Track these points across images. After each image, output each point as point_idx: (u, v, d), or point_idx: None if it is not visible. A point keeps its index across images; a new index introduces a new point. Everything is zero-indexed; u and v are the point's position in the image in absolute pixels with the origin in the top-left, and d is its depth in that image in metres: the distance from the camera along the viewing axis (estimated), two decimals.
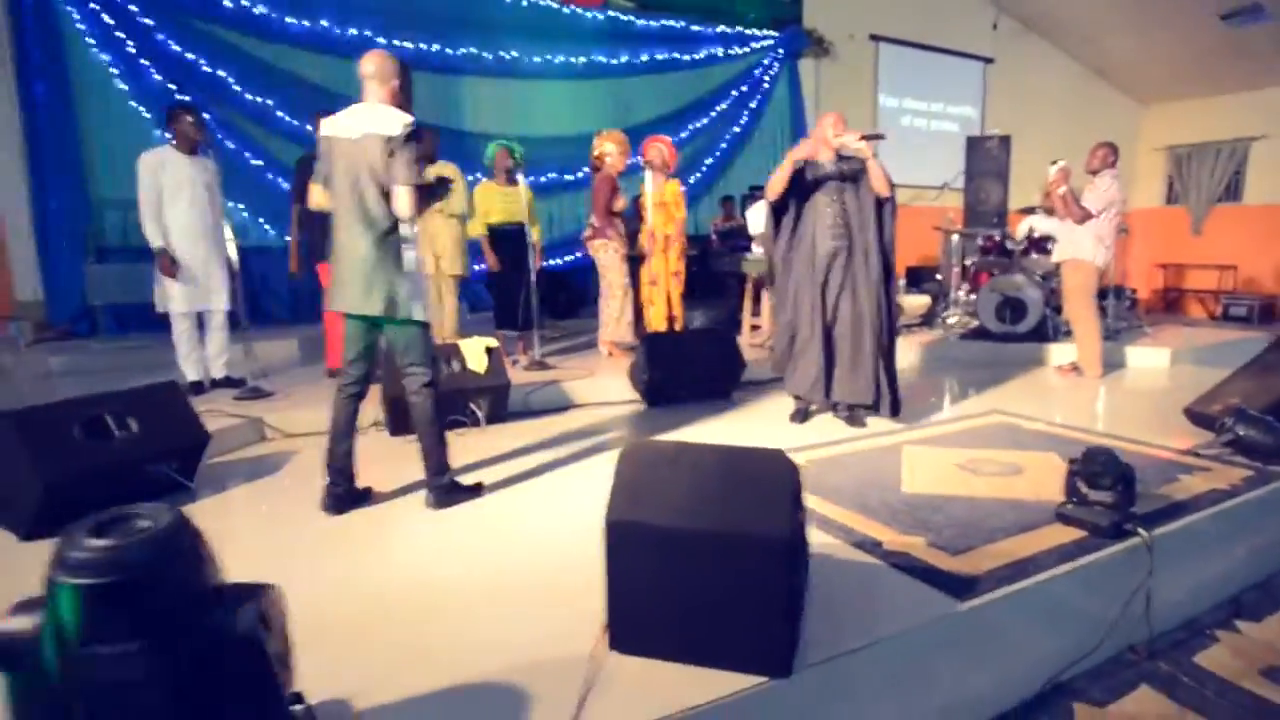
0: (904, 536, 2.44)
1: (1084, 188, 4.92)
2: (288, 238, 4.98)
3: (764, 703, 1.60)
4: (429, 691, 1.63)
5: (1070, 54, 11.84)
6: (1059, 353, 5.70)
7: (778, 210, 3.73)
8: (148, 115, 6.08)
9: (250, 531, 2.74)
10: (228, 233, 4.20)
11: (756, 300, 6.23)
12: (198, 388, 4.30)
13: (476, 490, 2.90)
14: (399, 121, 2.53)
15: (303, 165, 4.46)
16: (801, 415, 3.97)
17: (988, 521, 2.58)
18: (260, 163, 6.36)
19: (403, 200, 2.54)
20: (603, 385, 4.59)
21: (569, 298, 7.21)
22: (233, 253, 4.20)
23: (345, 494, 2.76)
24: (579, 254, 7.57)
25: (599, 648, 1.72)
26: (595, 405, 4.46)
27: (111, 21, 5.86)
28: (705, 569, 1.60)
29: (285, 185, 6.51)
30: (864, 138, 3.52)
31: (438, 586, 2.20)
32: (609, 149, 5.14)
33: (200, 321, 4.37)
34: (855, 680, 1.77)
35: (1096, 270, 4.88)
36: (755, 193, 8.40)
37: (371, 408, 4.02)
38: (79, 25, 5.80)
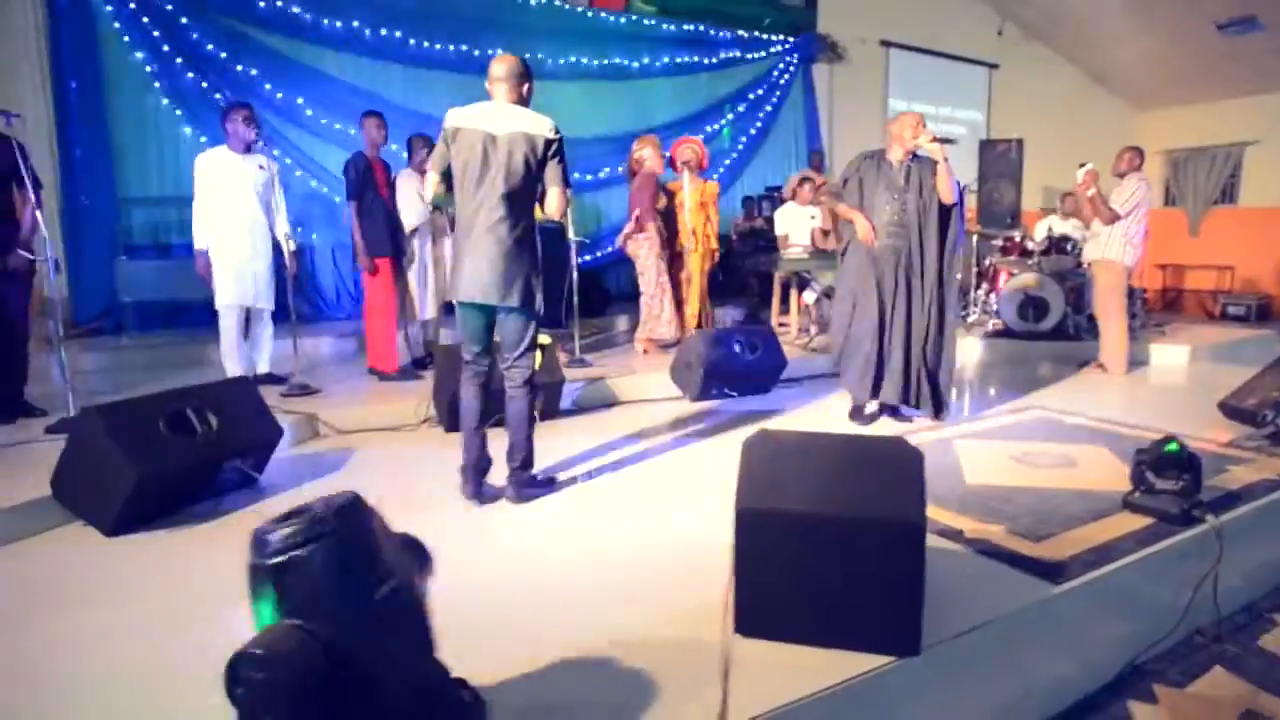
0: (982, 524, 2.51)
1: (1110, 190, 5.03)
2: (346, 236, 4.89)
3: (897, 681, 1.67)
4: (551, 671, 1.68)
5: (1071, 60, 12.03)
6: (1082, 350, 5.80)
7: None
8: (179, 113, 6.08)
9: None
10: (284, 229, 4.20)
11: (785, 299, 6.30)
12: None
13: (551, 484, 2.94)
14: (548, 125, 2.65)
15: (354, 165, 4.47)
16: (858, 413, 3.95)
17: (1058, 510, 2.65)
18: (289, 160, 6.36)
19: (556, 201, 2.69)
20: (644, 382, 4.64)
21: (599, 295, 7.27)
22: (288, 250, 4.20)
23: (483, 482, 2.86)
24: (600, 253, 7.63)
25: (725, 632, 1.77)
26: (638, 402, 4.51)
27: (146, 19, 5.86)
28: (837, 553, 1.66)
29: (314, 183, 6.54)
30: (936, 140, 3.58)
31: (544, 575, 2.25)
32: (647, 153, 5.22)
33: (246, 317, 4.37)
34: (973, 660, 1.83)
35: (1125, 270, 4.99)
36: (771, 193, 8.50)
37: (423, 404, 4.07)
38: (114, 23, 5.78)
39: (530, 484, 2.85)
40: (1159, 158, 12.82)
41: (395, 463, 3.47)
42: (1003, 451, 3.40)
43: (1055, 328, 6.08)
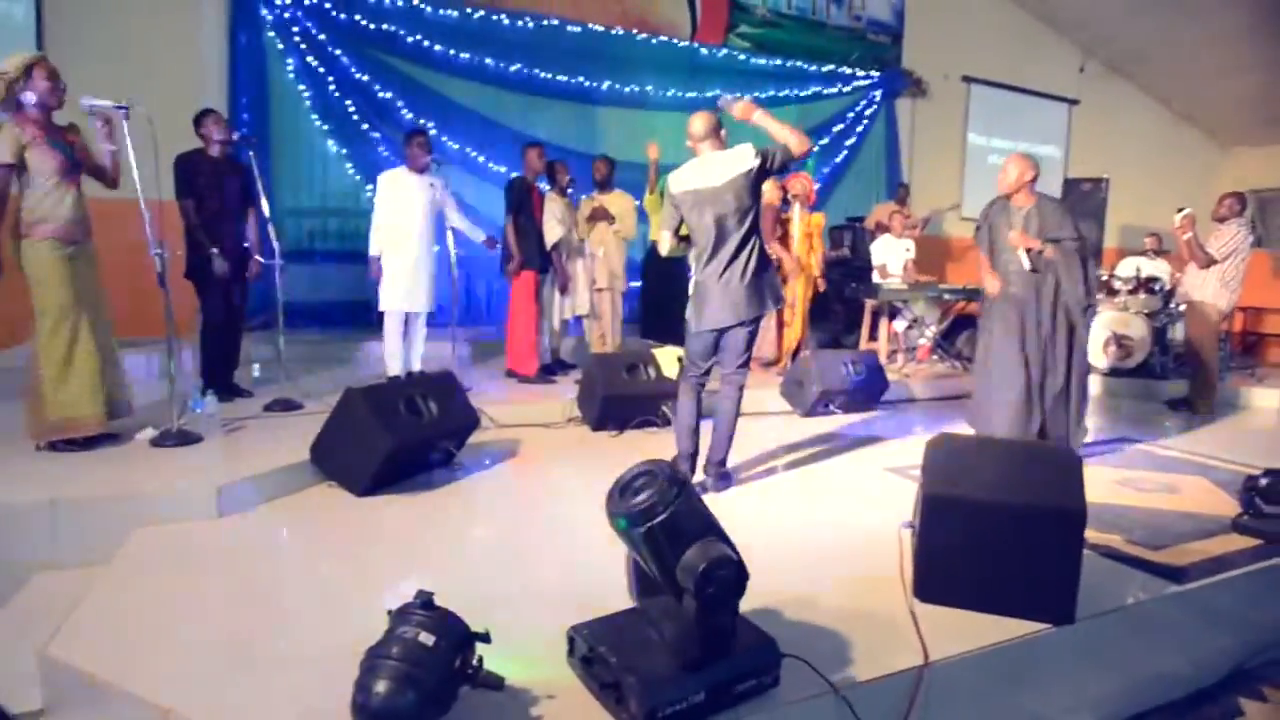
0: (1102, 534, 2.85)
1: (1209, 233, 5.28)
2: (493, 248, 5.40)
3: (1053, 643, 2.05)
4: (774, 618, 2.09)
5: (1155, 97, 12.10)
6: (1167, 389, 6.01)
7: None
8: (327, 128, 6.77)
9: (542, 496, 3.29)
10: (450, 242, 4.77)
11: (874, 327, 6.65)
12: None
13: (730, 478, 3.41)
14: (750, 153, 3.02)
15: (516, 186, 5.06)
16: None
17: (1170, 527, 2.98)
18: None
19: (795, 142, 2.99)
20: (758, 397, 5.05)
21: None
22: (453, 260, 4.76)
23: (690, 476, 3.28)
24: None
25: (907, 596, 2.18)
26: (753, 415, 4.92)
27: (305, 47, 6.60)
28: (1007, 534, 2.05)
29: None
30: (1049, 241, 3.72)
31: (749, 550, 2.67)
32: (766, 185, 5.65)
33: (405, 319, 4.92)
34: (1113, 638, 2.19)
35: (1220, 313, 5.22)
36: (852, 224, 8.85)
37: (564, 405, 4.56)
38: (280, 49, 6.54)
39: (725, 477, 3.34)
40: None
41: (561, 452, 3.96)
42: (1106, 477, 3.71)
43: (1141, 366, 6.29)
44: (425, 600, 1.58)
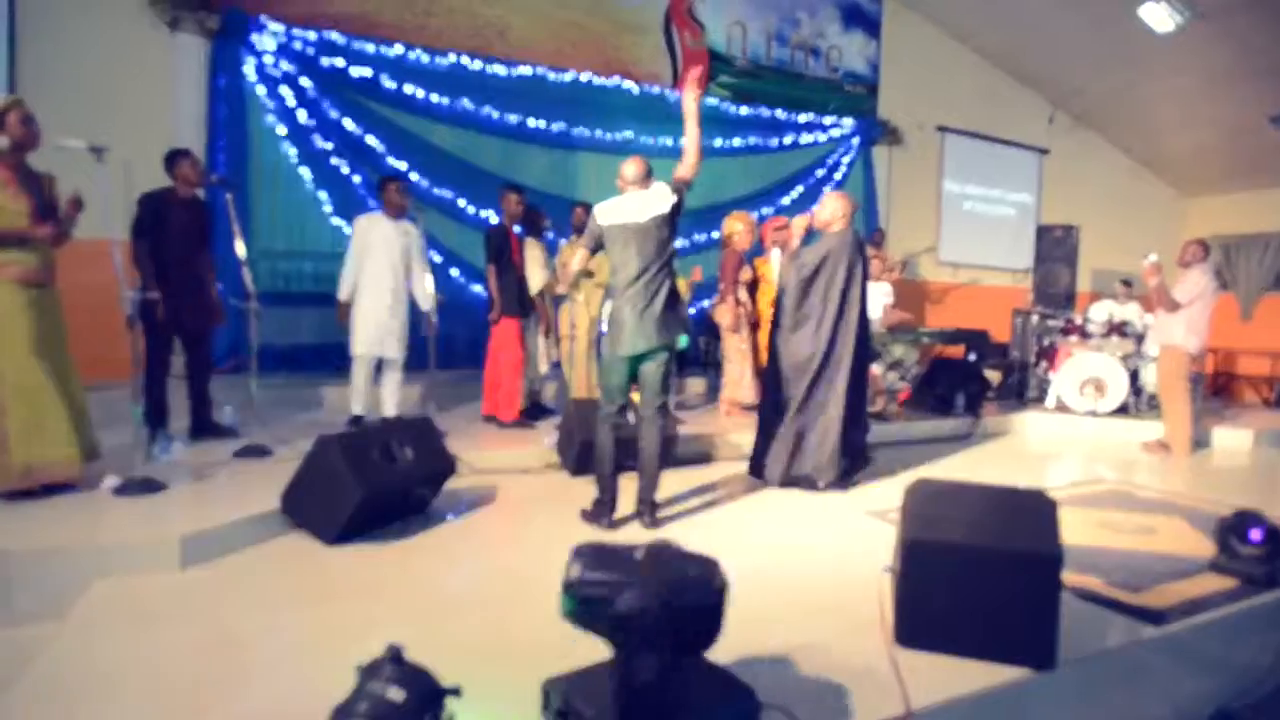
0: (1081, 576, 2.84)
1: (1175, 279, 5.41)
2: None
3: (1034, 689, 2.02)
4: (749, 669, 2.05)
5: (1120, 147, 12.54)
6: (1142, 430, 6.08)
7: None
8: (306, 170, 6.80)
9: (518, 544, 3.22)
10: (429, 288, 4.76)
11: None
12: (357, 421, 4.76)
13: (658, 516, 3.43)
14: (668, 192, 3.30)
15: (495, 234, 5.07)
16: None
17: (1149, 569, 2.98)
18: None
19: (691, 168, 3.41)
20: (735, 440, 5.04)
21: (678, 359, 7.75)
22: (430, 306, 4.75)
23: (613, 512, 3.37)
24: None
25: (887, 640, 2.14)
26: (731, 460, 4.90)
27: (286, 90, 6.67)
28: (987, 579, 2.04)
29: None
30: None
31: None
32: (738, 228, 5.74)
33: (378, 364, 4.86)
34: (1097, 682, 2.17)
35: (1189, 356, 5.33)
36: None
37: (542, 451, 4.51)
38: (260, 92, 6.58)
39: (655, 514, 3.41)
40: (1210, 244, 13.15)
41: (538, 499, 3.91)
42: (1084, 519, 3.72)
43: (1116, 409, 6.37)
44: (395, 654, 1.53)
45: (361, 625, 2.34)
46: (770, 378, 4.30)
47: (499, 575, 2.86)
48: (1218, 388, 12.71)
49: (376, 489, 2.95)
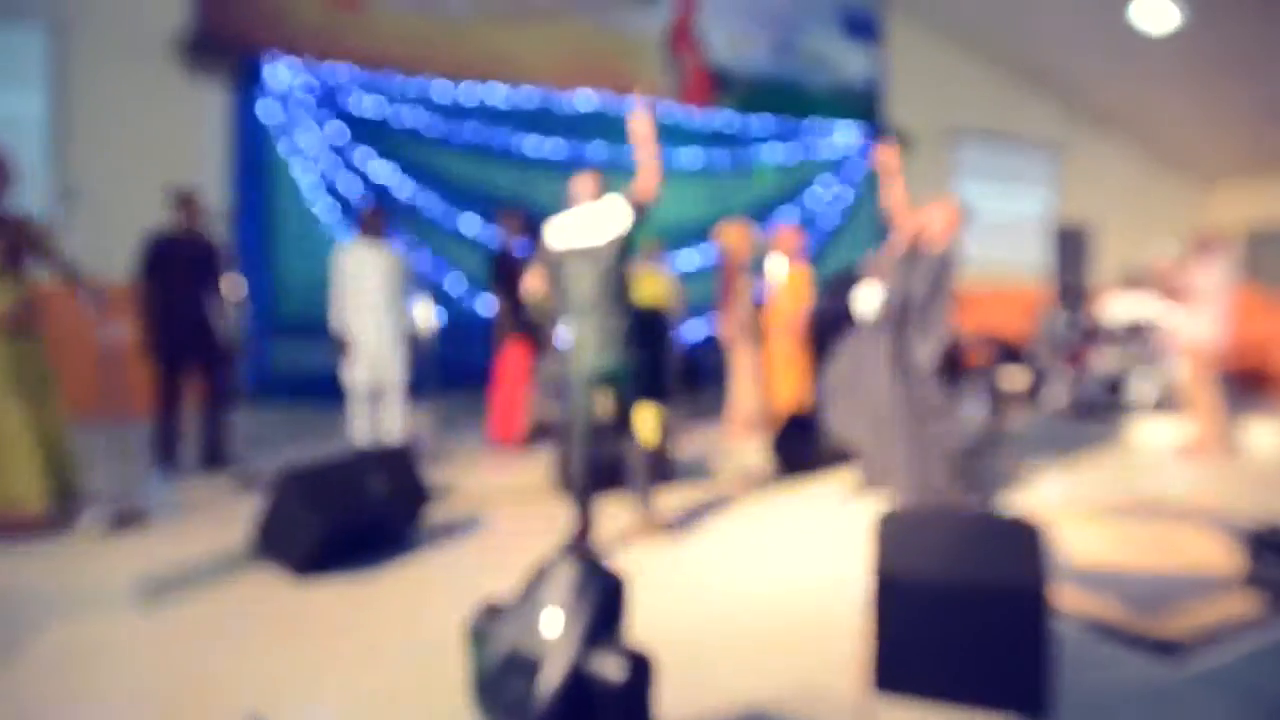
0: (1094, 600, 2.65)
1: (1193, 269, 5.15)
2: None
3: None
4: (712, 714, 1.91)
5: (1135, 140, 12.20)
6: (1169, 432, 5.78)
7: None
8: (327, 207, 6.91)
9: (500, 574, 3.11)
10: (423, 311, 4.70)
11: None
12: None
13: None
14: (626, 208, 3.21)
15: (498, 261, 5.08)
16: None
17: (1171, 588, 2.77)
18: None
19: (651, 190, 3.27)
20: (739, 455, 4.89)
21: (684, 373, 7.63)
22: (424, 329, 4.70)
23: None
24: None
25: (864, 687, 1.99)
26: (732, 477, 4.74)
27: (303, 125, 6.83)
28: (967, 616, 1.88)
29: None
30: None
31: (678, 626, 2.49)
32: (732, 238, 5.64)
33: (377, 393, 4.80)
34: None
35: (1213, 351, 5.06)
36: (850, 273, 8.79)
37: (538, 477, 4.41)
38: (282, 126, 6.74)
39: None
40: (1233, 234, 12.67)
41: (530, 525, 3.76)
42: (1103, 533, 3.50)
43: (1140, 406, 6.09)
44: None
45: (327, 667, 2.26)
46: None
47: (473, 608, 2.75)
48: (1248, 383, 12.16)
49: (340, 523, 2.87)
